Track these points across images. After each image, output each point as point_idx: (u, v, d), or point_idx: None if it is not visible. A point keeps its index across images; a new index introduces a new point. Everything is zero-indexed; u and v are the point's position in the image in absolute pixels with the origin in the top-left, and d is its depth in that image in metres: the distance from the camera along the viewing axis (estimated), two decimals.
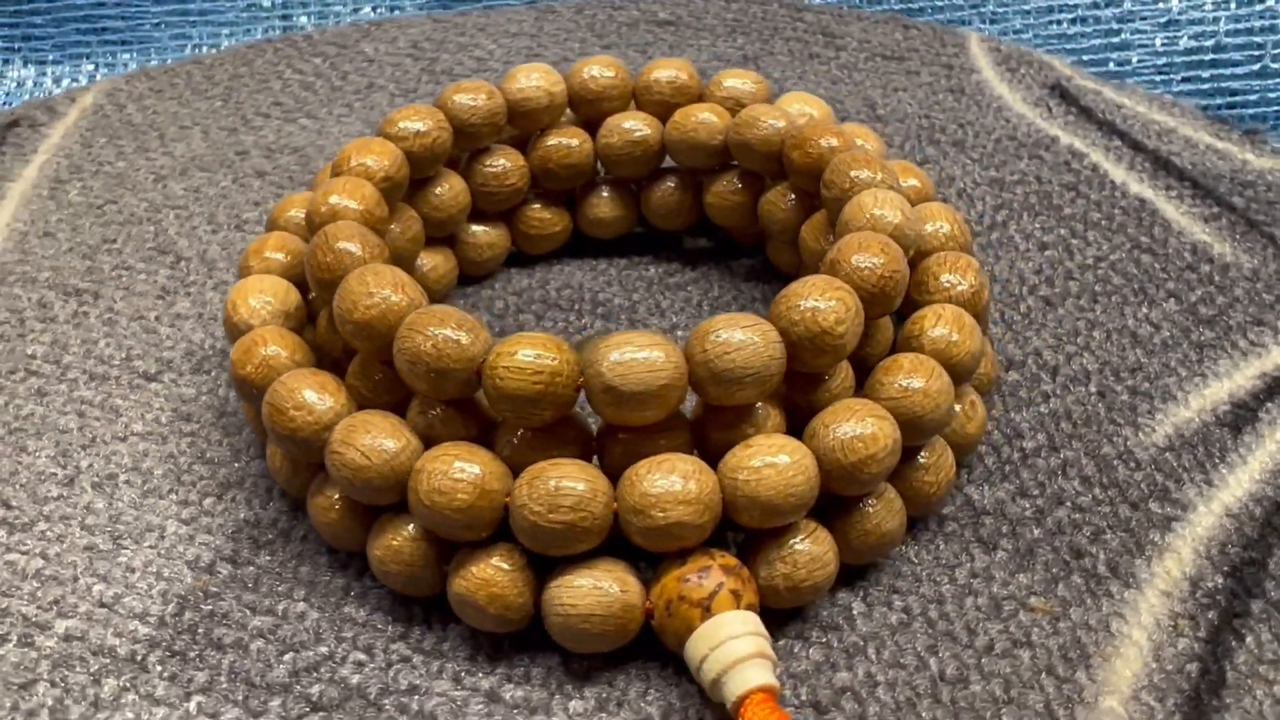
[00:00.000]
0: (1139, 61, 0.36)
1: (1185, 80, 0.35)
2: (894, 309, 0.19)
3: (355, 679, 0.17)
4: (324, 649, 0.18)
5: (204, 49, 0.39)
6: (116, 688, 0.17)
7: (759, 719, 0.15)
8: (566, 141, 0.25)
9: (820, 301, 0.17)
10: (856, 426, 0.17)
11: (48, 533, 0.20)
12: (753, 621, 0.16)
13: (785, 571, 0.17)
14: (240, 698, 0.17)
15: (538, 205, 0.26)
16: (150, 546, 0.20)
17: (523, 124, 0.24)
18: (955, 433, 0.19)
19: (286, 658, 0.18)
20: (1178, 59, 0.35)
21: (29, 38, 0.40)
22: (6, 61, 0.40)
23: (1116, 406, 0.22)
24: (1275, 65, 0.34)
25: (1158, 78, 0.35)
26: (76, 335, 0.24)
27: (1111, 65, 0.35)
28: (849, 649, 0.18)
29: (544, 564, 0.17)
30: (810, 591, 0.17)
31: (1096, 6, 0.36)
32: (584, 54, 0.34)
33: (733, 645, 0.16)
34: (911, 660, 0.17)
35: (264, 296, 0.20)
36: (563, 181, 0.25)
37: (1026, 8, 0.37)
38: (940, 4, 0.38)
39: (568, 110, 0.25)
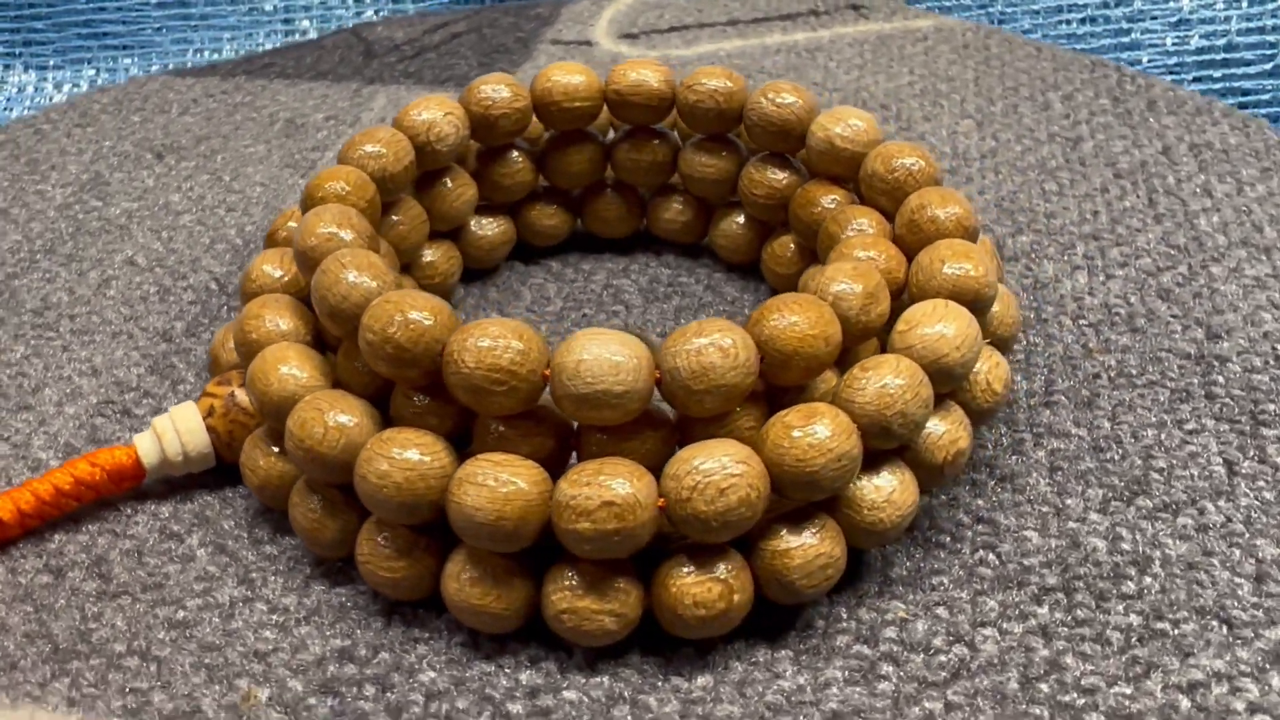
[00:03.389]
0: (1149, 61, 0.34)
1: (1196, 80, 0.33)
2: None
3: None
4: None
5: (205, 54, 0.38)
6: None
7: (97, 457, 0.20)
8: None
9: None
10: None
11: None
12: (185, 422, 0.20)
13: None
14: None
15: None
16: None
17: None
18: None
19: None
20: (1189, 58, 0.34)
21: (30, 43, 0.39)
22: (7, 67, 0.39)
23: None
24: None
25: (1169, 77, 0.33)
26: None
27: (1122, 65, 0.33)
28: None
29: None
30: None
31: (1106, 5, 0.35)
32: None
33: (161, 418, 0.20)
34: None
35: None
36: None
37: (1035, 7, 0.36)
38: (948, 4, 0.36)
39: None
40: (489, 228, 0.25)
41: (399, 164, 0.22)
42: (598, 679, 0.17)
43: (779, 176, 0.24)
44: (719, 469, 0.16)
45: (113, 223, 0.28)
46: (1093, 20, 0.36)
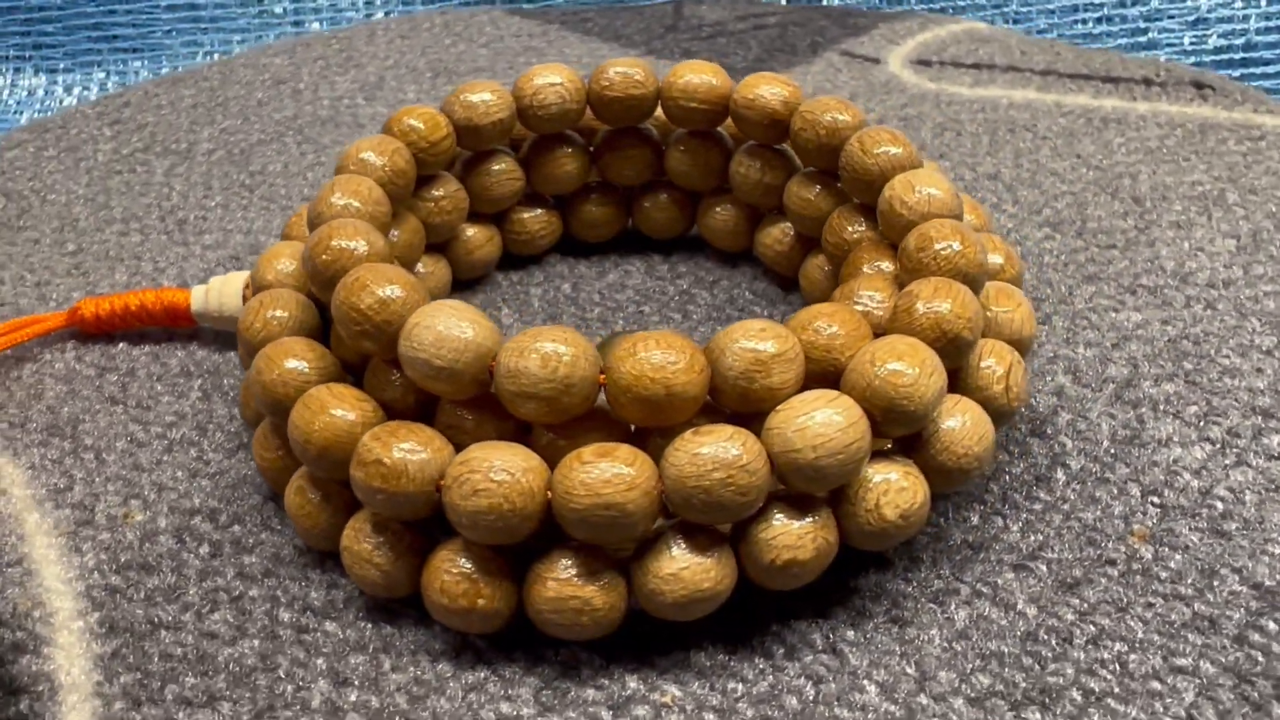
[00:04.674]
0: (1167, 60, 0.34)
1: None
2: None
3: None
4: None
5: (215, 56, 0.38)
6: None
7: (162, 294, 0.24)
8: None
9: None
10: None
11: None
12: (229, 286, 0.23)
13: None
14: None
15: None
16: None
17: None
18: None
19: None
20: (1206, 57, 0.35)
21: (40, 46, 0.39)
22: (18, 70, 0.39)
23: None
24: None
25: None
26: None
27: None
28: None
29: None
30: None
31: (1123, 4, 0.36)
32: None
33: (217, 279, 0.23)
34: None
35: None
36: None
37: (1050, 6, 0.37)
38: (962, 4, 0.38)
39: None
40: (596, 204, 0.26)
41: (488, 118, 0.23)
42: (362, 624, 0.18)
43: (855, 229, 0.22)
44: (486, 470, 0.16)
45: (358, 120, 0.32)
46: (1109, 20, 0.36)
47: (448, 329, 0.17)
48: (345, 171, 0.21)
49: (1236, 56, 0.35)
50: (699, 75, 0.24)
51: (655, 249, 0.27)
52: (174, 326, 0.24)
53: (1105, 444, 0.21)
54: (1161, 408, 0.22)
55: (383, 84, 0.34)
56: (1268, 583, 0.18)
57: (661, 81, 0.24)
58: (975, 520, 0.19)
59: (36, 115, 0.38)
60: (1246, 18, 0.35)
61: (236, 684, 0.17)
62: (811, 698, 0.17)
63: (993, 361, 0.19)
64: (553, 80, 0.24)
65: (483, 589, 0.17)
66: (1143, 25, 0.36)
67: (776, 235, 0.25)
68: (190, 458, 0.21)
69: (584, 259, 0.26)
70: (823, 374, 0.18)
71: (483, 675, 0.17)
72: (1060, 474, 0.20)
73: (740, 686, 0.17)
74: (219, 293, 0.23)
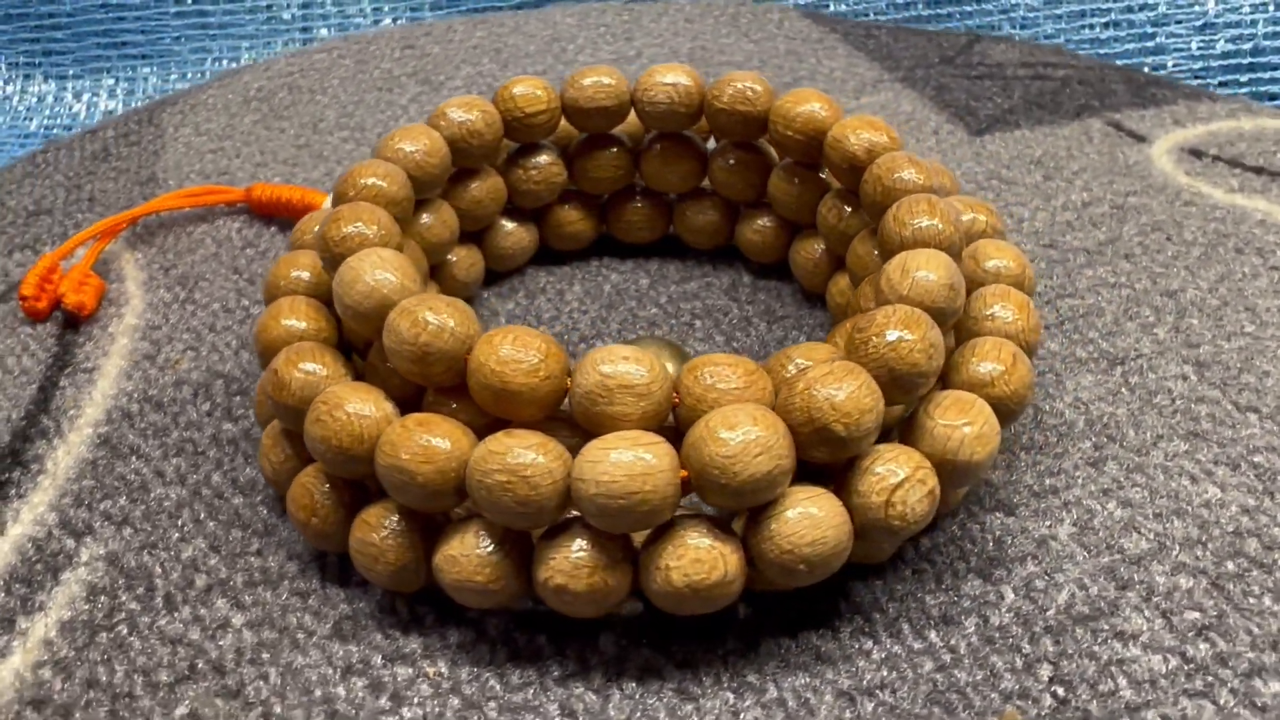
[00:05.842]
0: (1174, 66, 0.36)
1: (1222, 84, 0.35)
2: None
3: None
4: None
5: (223, 63, 0.37)
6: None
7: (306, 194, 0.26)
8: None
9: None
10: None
11: None
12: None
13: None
14: None
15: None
16: None
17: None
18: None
19: None
20: (1214, 62, 0.36)
21: (50, 53, 0.40)
22: (28, 77, 0.39)
23: None
24: None
25: (1194, 82, 0.34)
26: None
27: (1146, 70, 0.35)
28: None
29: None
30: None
31: (1130, 10, 0.37)
32: None
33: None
34: None
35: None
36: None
37: (1058, 12, 0.37)
38: (969, 9, 0.38)
39: None
40: (700, 211, 0.26)
41: (593, 102, 0.24)
42: (260, 508, 0.20)
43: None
44: (332, 405, 0.17)
45: None
46: (1116, 25, 0.37)
47: (363, 272, 0.18)
48: (433, 124, 0.23)
49: (1244, 61, 0.35)
50: (805, 105, 0.23)
51: (748, 268, 0.26)
52: None
53: (1050, 612, 0.18)
54: (1154, 600, 0.18)
55: (638, 59, 0.36)
56: None
57: (771, 104, 0.24)
58: (845, 633, 0.18)
59: (46, 122, 0.39)
60: (1254, 23, 0.35)
61: (146, 518, 0.20)
62: (583, 697, 0.17)
63: (888, 469, 0.17)
64: (669, 80, 0.24)
65: (318, 509, 0.18)
66: (1150, 30, 0.36)
67: (843, 286, 0.23)
68: (248, 331, 0.25)
69: (677, 259, 0.27)
70: (690, 422, 0.17)
71: (313, 586, 0.19)
72: (971, 623, 0.18)
73: (499, 688, 0.17)
74: None
